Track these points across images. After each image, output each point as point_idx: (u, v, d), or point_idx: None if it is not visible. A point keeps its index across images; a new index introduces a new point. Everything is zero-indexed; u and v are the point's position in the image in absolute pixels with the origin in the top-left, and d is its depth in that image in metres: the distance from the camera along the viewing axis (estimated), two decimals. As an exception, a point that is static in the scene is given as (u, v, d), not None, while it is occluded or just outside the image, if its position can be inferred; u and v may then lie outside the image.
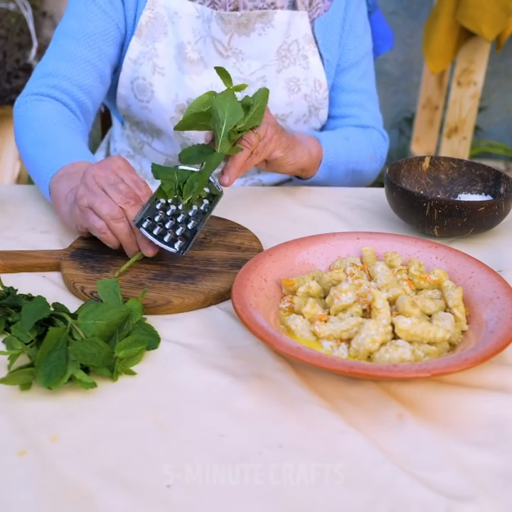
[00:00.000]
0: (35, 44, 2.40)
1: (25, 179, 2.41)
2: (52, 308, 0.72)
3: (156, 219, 0.86)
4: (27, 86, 1.14)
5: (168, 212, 0.87)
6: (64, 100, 1.11)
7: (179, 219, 0.87)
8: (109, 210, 0.82)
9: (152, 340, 0.72)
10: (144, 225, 0.84)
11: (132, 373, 0.68)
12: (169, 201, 0.87)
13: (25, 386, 0.64)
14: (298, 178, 1.20)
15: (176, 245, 0.84)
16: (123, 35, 1.16)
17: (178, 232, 0.85)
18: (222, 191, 0.91)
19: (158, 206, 0.87)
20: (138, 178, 0.86)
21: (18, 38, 2.39)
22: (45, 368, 0.63)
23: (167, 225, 0.85)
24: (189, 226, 0.87)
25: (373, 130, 1.27)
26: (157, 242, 0.84)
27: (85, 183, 0.84)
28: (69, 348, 0.65)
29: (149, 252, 0.84)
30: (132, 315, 0.71)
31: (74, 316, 0.71)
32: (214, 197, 0.91)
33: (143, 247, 0.83)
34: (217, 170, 0.89)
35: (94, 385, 0.64)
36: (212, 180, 0.92)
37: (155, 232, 0.84)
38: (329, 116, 1.27)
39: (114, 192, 0.83)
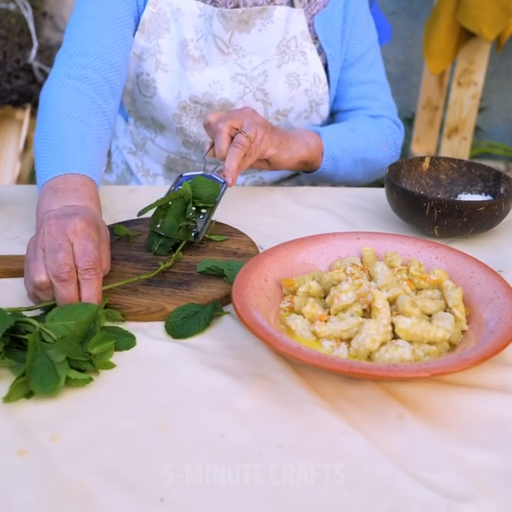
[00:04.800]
0: (36, 44, 2.41)
1: (25, 179, 2.41)
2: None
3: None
4: (55, 71, 1.08)
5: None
6: (96, 82, 1.06)
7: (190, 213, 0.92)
8: (35, 278, 0.74)
9: (127, 340, 0.72)
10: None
11: (111, 366, 0.68)
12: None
13: (28, 395, 0.64)
14: (305, 173, 1.21)
15: (192, 234, 0.90)
16: (137, 25, 1.16)
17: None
18: (225, 182, 0.97)
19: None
20: (91, 247, 0.76)
21: (18, 39, 2.39)
22: (36, 376, 0.62)
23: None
24: (200, 216, 0.93)
25: (384, 119, 1.27)
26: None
27: (36, 237, 0.78)
28: (49, 352, 0.64)
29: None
30: (98, 318, 0.71)
31: (39, 319, 0.70)
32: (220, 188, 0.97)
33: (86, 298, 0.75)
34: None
35: (90, 379, 0.65)
36: (214, 176, 0.98)
37: None
38: (340, 111, 1.29)
39: (50, 260, 0.74)
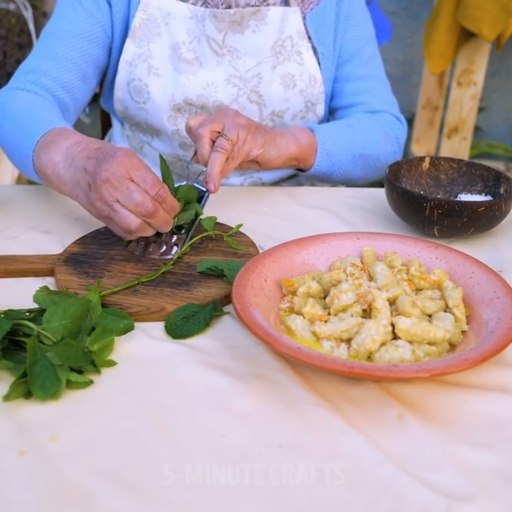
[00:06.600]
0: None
1: (25, 179, 2.41)
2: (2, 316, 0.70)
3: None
4: (8, 83, 1.13)
5: None
6: (44, 96, 1.11)
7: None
8: (131, 226, 0.82)
9: (125, 322, 0.73)
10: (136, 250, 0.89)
11: (113, 364, 0.68)
12: None
13: (28, 395, 0.64)
14: (301, 171, 1.19)
15: (172, 252, 0.89)
16: (110, 38, 1.17)
17: (173, 240, 0.90)
18: (207, 190, 0.96)
19: None
20: (145, 172, 0.83)
21: (18, 39, 2.39)
22: (37, 381, 0.62)
23: (162, 237, 0.90)
24: (182, 232, 0.92)
25: (384, 114, 1.26)
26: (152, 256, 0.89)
27: (99, 195, 0.82)
28: (49, 355, 0.64)
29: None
30: (93, 308, 0.71)
31: (34, 320, 0.69)
32: (201, 198, 0.96)
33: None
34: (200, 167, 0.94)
35: (91, 382, 0.65)
36: (196, 184, 0.97)
37: (150, 249, 0.89)
38: (339, 108, 1.27)
39: (131, 205, 0.81)
